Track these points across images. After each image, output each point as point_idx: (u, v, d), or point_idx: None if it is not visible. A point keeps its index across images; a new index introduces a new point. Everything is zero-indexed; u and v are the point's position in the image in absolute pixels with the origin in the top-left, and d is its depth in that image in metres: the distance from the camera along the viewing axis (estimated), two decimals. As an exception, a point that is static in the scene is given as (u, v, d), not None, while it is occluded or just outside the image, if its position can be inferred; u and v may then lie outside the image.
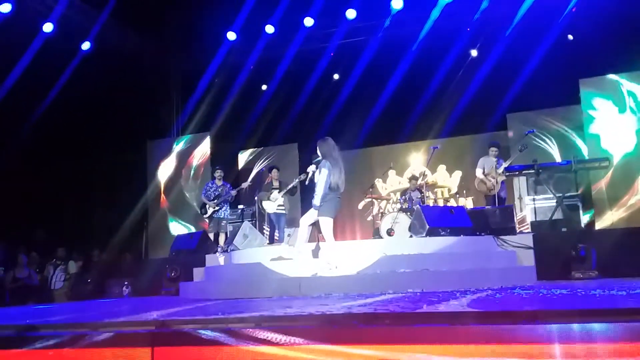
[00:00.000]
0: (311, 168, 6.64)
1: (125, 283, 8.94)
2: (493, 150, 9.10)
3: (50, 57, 10.12)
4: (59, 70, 10.60)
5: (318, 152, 6.54)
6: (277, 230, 9.33)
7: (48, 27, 10.15)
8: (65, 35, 10.44)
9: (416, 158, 12.25)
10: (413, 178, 10.37)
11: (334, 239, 6.46)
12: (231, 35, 11.76)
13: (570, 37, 10.46)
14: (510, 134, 10.80)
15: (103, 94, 10.83)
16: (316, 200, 6.39)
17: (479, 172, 9.15)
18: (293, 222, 10.93)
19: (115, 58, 11.49)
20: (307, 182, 6.80)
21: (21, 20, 9.72)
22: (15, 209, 10.50)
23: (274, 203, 9.12)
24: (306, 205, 7.37)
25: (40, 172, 11.00)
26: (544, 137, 10.49)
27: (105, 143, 11.67)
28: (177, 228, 12.21)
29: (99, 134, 11.53)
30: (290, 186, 7.30)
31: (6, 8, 9.42)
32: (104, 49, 11.21)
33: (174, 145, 12.76)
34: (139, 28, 11.95)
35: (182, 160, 12.61)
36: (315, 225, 6.56)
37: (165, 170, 12.70)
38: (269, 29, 11.57)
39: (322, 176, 6.42)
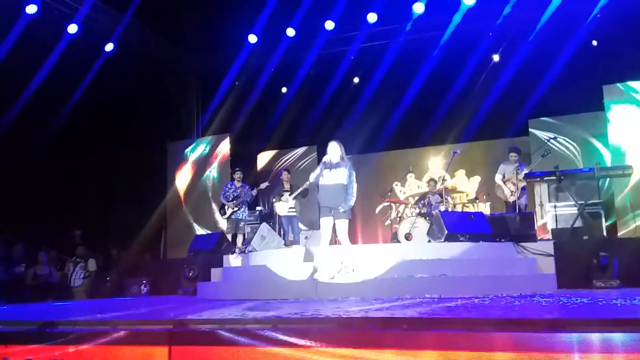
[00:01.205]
0: (317, 170, 6.56)
1: (144, 282, 9.02)
2: (513, 156, 8.99)
3: (74, 58, 10.28)
4: (83, 71, 10.76)
5: (342, 152, 6.52)
6: (291, 233, 9.32)
7: (73, 29, 10.31)
8: (89, 36, 10.60)
9: (435, 162, 12.18)
10: (432, 181, 10.31)
11: (349, 242, 6.48)
12: (252, 38, 11.83)
13: (595, 42, 10.33)
14: (531, 139, 10.68)
15: (125, 95, 10.97)
16: (352, 202, 6.38)
17: (498, 178, 9.06)
18: (308, 224, 10.96)
19: (137, 59, 11.65)
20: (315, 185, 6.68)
21: (46, 22, 9.90)
22: (37, 207, 10.67)
23: (285, 205, 9.13)
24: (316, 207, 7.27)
25: (62, 172, 11.16)
26: (566, 144, 10.36)
27: (127, 143, 11.80)
28: (196, 228, 12.29)
29: (121, 135, 11.68)
30: (301, 189, 7.28)
31: (32, 9, 9.59)
32: (127, 50, 11.36)
33: (195, 146, 12.86)
34: (161, 30, 12.09)
35: (202, 162, 12.70)
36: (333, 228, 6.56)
37: (185, 171, 12.81)
38: (290, 32, 11.60)
39: (352, 178, 6.43)
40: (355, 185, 6.46)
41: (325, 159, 6.49)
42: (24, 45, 9.45)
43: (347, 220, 6.40)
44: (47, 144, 10.50)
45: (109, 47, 11.08)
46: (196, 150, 12.80)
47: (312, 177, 6.56)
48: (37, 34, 9.62)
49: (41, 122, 10.62)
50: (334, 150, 6.50)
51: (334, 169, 6.42)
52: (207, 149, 12.69)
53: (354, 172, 6.48)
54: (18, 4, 9.49)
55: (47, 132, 10.56)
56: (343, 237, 6.44)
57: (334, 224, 6.41)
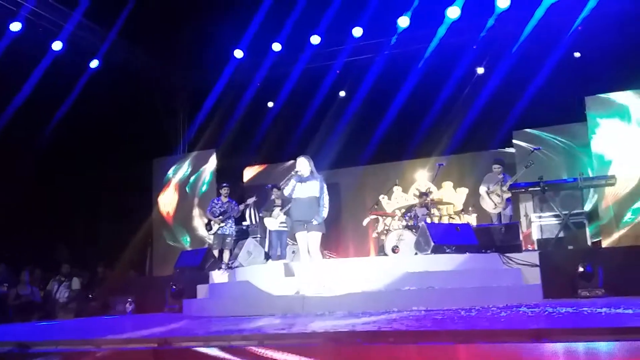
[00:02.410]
0: (291, 184, 6.66)
1: (129, 300, 8.93)
2: (496, 167, 9.08)
3: (59, 75, 10.24)
4: (67, 88, 10.70)
5: (311, 166, 6.65)
6: (279, 248, 9.30)
7: (57, 46, 10.27)
8: (74, 53, 10.57)
9: (422, 175, 12.23)
10: (423, 194, 10.30)
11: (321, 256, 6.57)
12: (238, 53, 11.85)
13: (577, 54, 10.48)
14: (516, 151, 10.78)
15: (111, 112, 10.93)
16: (325, 214, 6.48)
17: (482, 190, 9.13)
18: (295, 239, 10.91)
19: (123, 76, 11.61)
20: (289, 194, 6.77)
21: (31, 39, 9.85)
22: (19, 226, 10.55)
23: (275, 220, 9.12)
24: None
25: (46, 189, 11.06)
26: (550, 154, 10.46)
27: (112, 160, 11.74)
28: (182, 245, 12.19)
29: (106, 151, 11.62)
30: (291, 204, 7.33)
31: (16, 27, 9.55)
32: (112, 67, 11.32)
33: (180, 162, 12.80)
34: (146, 46, 12.07)
35: (187, 177, 12.64)
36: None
37: (171, 187, 12.72)
38: (276, 46, 11.65)
39: (324, 190, 6.57)
40: (326, 197, 6.67)
41: (296, 172, 6.59)
42: (8, 63, 9.39)
43: (320, 234, 6.54)
44: (31, 161, 10.41)
45: (94, 63, 11.04)
46: (179, 171, 12.71)
47: (287, 191, 6.70)
48: (21, 51, 9.58)
49: (25, 139, 10.54)
50: (304, 164, 6.66)
51: (305, 183, 6.55)
52: (193, 164, 12.62)
53: (325, 185, 6.71)
54: (2, 21, 9.44)
55: (31, 149, 10.48)
56: (314, 250, 6.56)
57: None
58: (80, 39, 10.73)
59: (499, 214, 8.78)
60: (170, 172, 12.74)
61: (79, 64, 10.84)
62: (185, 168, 12.69)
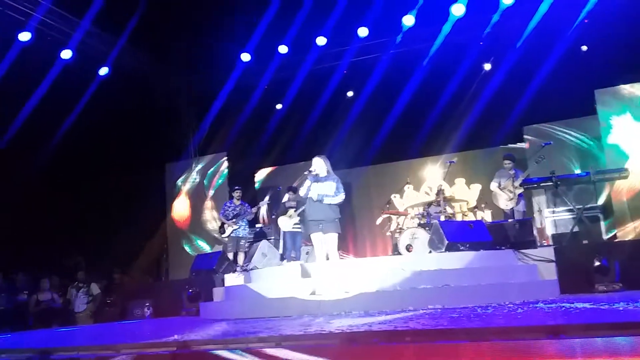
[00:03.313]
0: (307, 184, 6.66)
1: (147, 304, 9.00)
2: (507, 163, 9.04)
3: (69, 83, 10.34)
4: (77, 95, 10.81)
5: (328, 166, 6.64)
6: (293, 249, 9.34)
7: (66, 54, 10.38)
8: (83, 61, 10.67)
9: (433, 172, 12.19)
10: (432, 191, 10.28)
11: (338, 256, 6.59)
12: (245, 57, 11.91)
13: (584, 47, 10.43)
14: (527, 146, 10.73)
15: (121, 118, 11.01)
16: (339, 199, 6.53)
17: (493, 186, 9.10)
18: (309, 240, 10.95)
19: (132, 82, 11.72)
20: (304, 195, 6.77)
21: (40, 48, 9.96)
22: (38, 234, 10.66)
23: (289, 221, 9.15)
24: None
25: (61, 196, 11.16)
26: (561, 149, 10.41)
27: (125, 166, 11.83)
28: (197, 249, 12.27)
29: (118, 158, 11.71)
30: (305, 205, 7.34)
31: (25, 37, 9.66)
32: (122, 73, 11.43)
33: (192, 167, 12.88)
34: (154, 52, 12.18)
35: (199, 181, 12.72)
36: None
37: (183, 191, 12.81)
38: (282, 49, 11.70)
39: (340, 190, 6.56)
40: (341, 195, 6.64)
41: (310, 170, 6.59)
42: (18, 72, 9.50)
43: (337, 235, 6.52)
44: (45, 170, 10.52)
45: (104, 71, 11.14)
46: (191, 175, 12.79)
47: (303, 192, 6.67)
48: (31, 60, 9.68)
49: (37, 148, 10.64)
50: (320, 164, 6.64)
51: (321, 183, 6.52)
52: (204, 168, 12.70)
53: (341, 185, 6.65)
54: (11, 31, 9.55)
55: (43, 158, 10.58)
56: (332, 252, 6.55)
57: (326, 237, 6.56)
58: (89, 47, 10.84)
59: (512, 210, 8.74)
60: (183, 176, 12.83)
61: (88, 72, 10.95)
62: (197, 172, 12.77)
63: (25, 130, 10.09)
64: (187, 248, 12.39)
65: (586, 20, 10.05)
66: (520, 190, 8.77)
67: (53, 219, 11.07)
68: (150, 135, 12.13)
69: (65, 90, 10.33)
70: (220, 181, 12.50)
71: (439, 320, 4.05)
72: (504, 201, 8.89)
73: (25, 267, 10.01)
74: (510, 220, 8.32)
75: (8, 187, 10.19)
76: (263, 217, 12.29)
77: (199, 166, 12.80)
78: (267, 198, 10.11)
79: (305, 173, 6.72)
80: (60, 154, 10.78)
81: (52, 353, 4.01)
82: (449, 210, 9.90)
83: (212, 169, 12.64)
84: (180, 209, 12.76)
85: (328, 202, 6.54)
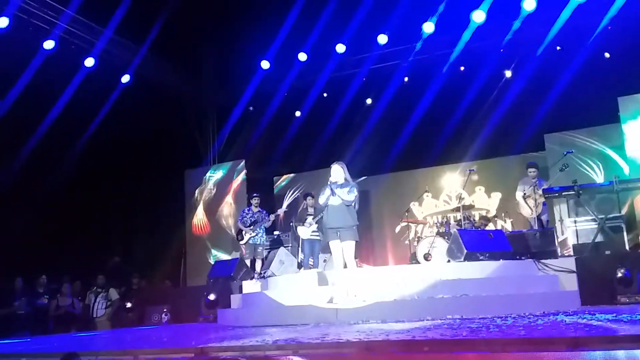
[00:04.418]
0: (326, 193, 6.66)
1: (165, 310, 9.06)
2: (532, 171, 8.86)
3: (92, 90, 10.52)
4: (100, 103, 10.99)
5: (346, 174, 6.66)
6: (311, 257, 9.34)
7: (90, 62, 10.56)
8: (105, 69, 10.85)
9: (452, 180, 12.09)
10: (449, 199, 10.20)
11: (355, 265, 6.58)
12: (265, 64, 11.99)
13: (607, 54, 10.29)
14: (548, 154, 10.61)
15: (142, 125, 11.15)
16: (353, 196, 6.54)
17: (518, 195, 8.93)
18: (327, 248, 10.94)
19: (152, 90, 11.88)
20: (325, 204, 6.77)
21: (64, 56, 10.16)
22: (58, 238, 10.81)
23: (308, 229, 9.16)
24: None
25: (83, 203, 11.32)
26: (583, 157, 10.26)
27: (145, 172, 11.96)
28: (215, 255, 12.34)
29: (139, 164, 11.84)
30: (324, 213, 7.35)
31: (50, 45, 9.85)
32: (143, 81, 11.59)
33: (211, 173, 12.97)
34: (175, 60, 12.33)
35: (218, 188, 12.80)
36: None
37: (202, 197, 12.91)
38: (302, 56, 11.75)
39: (356, 196, 6.57)
40: (353, 194, 6.63)
41: (331, 180, 6.59)
42: (42, 80, 9.69)
43: (354, 242, 6.53)
44: (67, 175, 10.68)
45: (126, 78, 11.31)
46: (210, 182, 12.89)
47: (322, 200, 6.69)
48: (55, 68, 9.87)
49: (61, 154, 10.83)
50: (338, 172, 6.66)
51: (339, 189, 6.55)
52: (223, 175, 12.80)
53: (358, 195, 6.69)
54: (36, 39, 9.75)
55: (67, 163, 10.76)
56: (350, 260, 6.56)
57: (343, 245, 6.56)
58: (112, 55, 11.03)
59: (537, 219, 8.53)
60: (202, 182, 12.93)
61: (111, 80, 11.12)
62: (216, 179, 12.86)
63: (50, 137, 10.27)
64: (204, 252, 12.47)
65: (609, 27, 9.92)
66: (544, 199, 8.63)
67: (76, 224, 11.22)
68: (170, 142, 12.27)
69: (88, 97, 10.51)
70: (238, 188, 12.56)
71: (457, 331, 4.01)
72: (529, 211, 8.71)
73: (47, 272, 10.14)
74: (532, 229, 8.20)
75: (32, 192, 10.38)
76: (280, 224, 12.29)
77: (218, 173, 12.89)
78: (284, 206, 10.12)
79: (328, 184, 6.72)
80: (83, 159, 10.95)
81: (73, 358, 4.05)
82: (468, 219, 9.81)
83: (230, 176, 12.72)
84: (199, 215, 12.85)
85: (343, 199, 6.54)
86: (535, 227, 8.46)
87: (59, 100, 10.26)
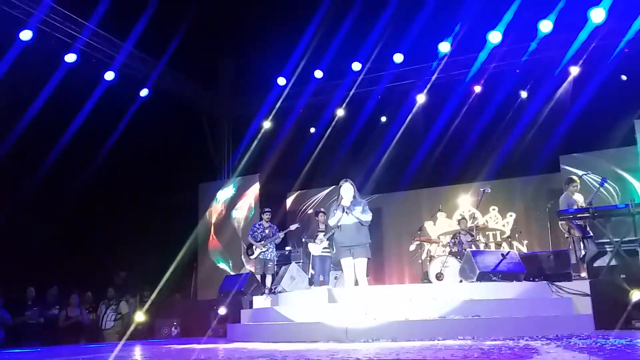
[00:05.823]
0: (337, 215, 6.63)
1: (174, 323, 9.05)
2: (575, 185, 8.29)
3: (111, 104, 10.67)
4: (119, 116, 11.12)
5: (355, 192, 6.64)
6: (322, 273, 9.29)
7: (110, 75, 10.72)
8: (125, 82, 11.01)
9: (465, 200, 12.03)
10: (463, 219, 10.14)
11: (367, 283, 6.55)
12: (281, 81, 12.08)
13: (624, 77, 10.24)
14: (563, 176, 10.49)
15: (159, 138, 11.28)
16: (368, 238, 6.47)
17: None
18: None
19: (170, 103, 12.02)
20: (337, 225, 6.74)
21: (85, 69, 10.33)
22: (71, 249, 10.90)
23: (319, 246, 9.13)
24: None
25: (95, 215, 11.42)
26: (598, 179, 10.14)
27: (160, 185, 12.04)
28: (226, 269, 12.34)
29: (154, 177, 11.94)
30: (334, 230, 7.32)
31: (71, 58, 10.02)
32: (161, 95, 11.74)
33: (224, 187, 13.03)
34: (193, 75, 12.49)
35: (231, 202, 12.85)
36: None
37: (215, 212, 12.96)
38: (318, 74, 11.83)
39: (368, 213, 6.54)
40: (369, 214, 6.60)
41: (343, 203, 6.56)
42: (63, 92, 9.85)
43: (366, 260, 6.51)
44: (82, 187, 10.79)
45: (144, 92, 11.45)
46: (223, 196, 12.95)
47: (333, 222, 6.66)
48: (76, 81, 10.03)
49: (79, 166, 10.95)
50: (348, 191, 6.62)
51: (354, 209, 6.54)
52: (237, 190, 12.86)
53: (367, 208, 6.65)
54: (58, 52, 9.92)
55: (85, 175, 10.88)
56: (361, 277, 6.53)
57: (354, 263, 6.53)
58: (131, 69, 11.20)
59: (583, 239, 8.11)
60: (215, 196, 12.99)
61: (130, 93, 11.27)
62: (229, 193, 12.92)
63: (69, 148, 10.40)
64: (215, 265, 12.48)
65: (626, 50, 9.88)
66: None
67: (88, 235, 11.30)
68: (185, 156, 12.37)
69: (108, 111, 10.65)
70: (252, 203, 12.59)
71: (468, 352, 3.96)
72: (579, 231, 8.21)
73: (58, 282, 10.20)
74: (545, 251, 8.03)
75: (50, 204, 10.49)
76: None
77: (231, 187, 12.94)
78: (296, 224, 10.08)
79: (335, 204, 6.70)
80: (98, 171, 11.06)
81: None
82: (481, 239, 9.74)
83: (243, 190, 12.76)
84: (213, 224, 12.90)
85: (359, 219, 6.51)
86: (581, 249, 8.03)
87: (79, 113, 10.41)
